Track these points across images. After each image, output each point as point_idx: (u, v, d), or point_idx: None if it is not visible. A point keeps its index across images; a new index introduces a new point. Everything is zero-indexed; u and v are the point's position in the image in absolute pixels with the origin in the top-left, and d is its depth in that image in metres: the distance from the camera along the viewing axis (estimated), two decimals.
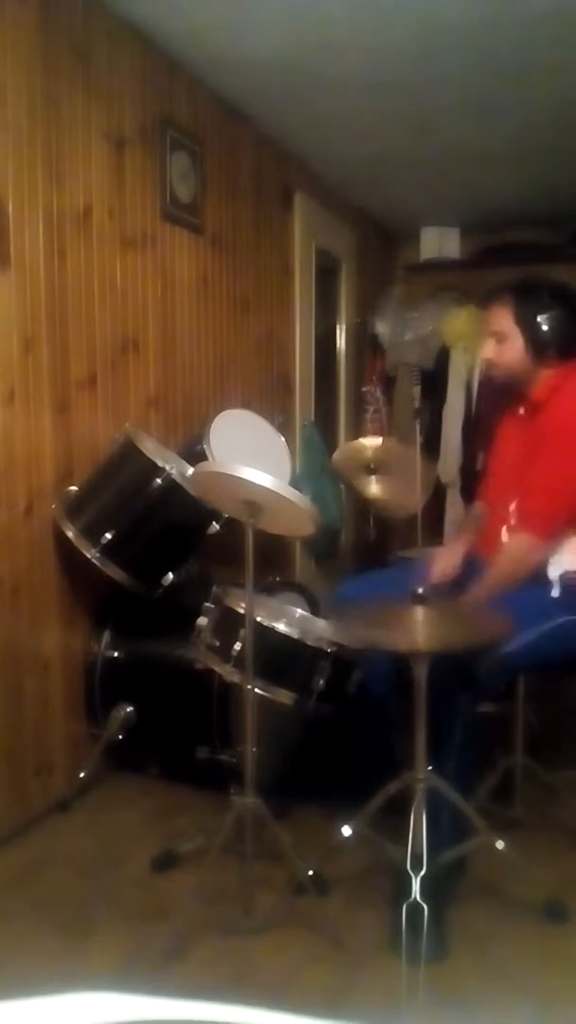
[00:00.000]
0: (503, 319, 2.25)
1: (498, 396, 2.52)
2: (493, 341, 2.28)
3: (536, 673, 2.42)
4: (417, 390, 4.25)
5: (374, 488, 3.29)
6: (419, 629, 1.83)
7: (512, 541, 2.27)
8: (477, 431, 4.40)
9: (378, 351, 4.88)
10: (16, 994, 0.51)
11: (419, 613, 1.85)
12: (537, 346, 2.22)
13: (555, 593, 2.21)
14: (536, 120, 3.43)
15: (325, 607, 2.68)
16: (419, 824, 1.85)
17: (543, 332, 2.21)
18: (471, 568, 2.37)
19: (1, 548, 2.32)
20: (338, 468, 3.49)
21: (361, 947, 1.91)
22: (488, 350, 2.30)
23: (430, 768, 1.95)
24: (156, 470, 2.44)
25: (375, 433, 4.40)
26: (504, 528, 2.34)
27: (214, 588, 2.25)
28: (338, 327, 4.72)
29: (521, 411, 2.38)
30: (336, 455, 3.55)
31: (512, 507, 2.31)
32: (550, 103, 3.26)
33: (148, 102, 2.83)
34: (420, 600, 1.87)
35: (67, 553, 2.50)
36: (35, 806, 2.46)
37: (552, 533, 2.20)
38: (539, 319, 2.21)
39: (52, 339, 2.45)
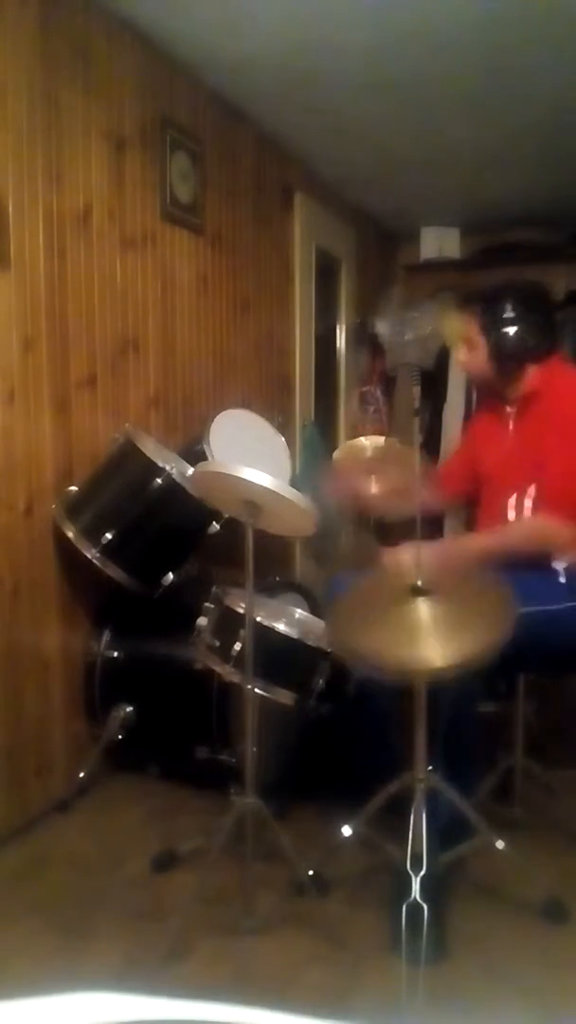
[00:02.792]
0: (471, 327, 2.32)
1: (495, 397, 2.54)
2: (465, 347, 2.36)
3: (534, 663, 2.41)
4: (417, 390, 4.24)
5: (373, 488, 3.28)
6: (422, 644, 1.74)
7: (538, 518, 2.25)
8: None
9: (378, 351, 4.88)
10: (16, 994, 0.51)
11: (420, 613, 1.81)
12: (500, 354, 2.27)
13: (561, 580, 2.22)
14: (536, 120, 3.43)
15: (322, 608, 2.68)
16: (419, 824, 1.85)
17: (505, 341, 2.26)
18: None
19: (1, 548, 2.32)
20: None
21: (361, 947, 1.91)
22: (460, 355, 2.40)
23: (430, 768, 1.95)
24: (156, 470, 2.44)
25: (375, 433, 4.40)
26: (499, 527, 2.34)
27: (214, 588, 2.25)
28: (338, 327, 4.72)
29: (508, 408, 2.39)
30: (336, 454, 3.54)
31: (511, 501, 2.31)
32: (550, 103, 3.26)
33: (148, 102, 2.83)
34: (419, 592, 1.83)
35: (67, 553, 2.50)
36: (35, 806, 2.46)
37: (572, 516, 2.20)
38: (502, 330, 2.25)
39: (52, 339, 2.45)
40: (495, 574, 2.00)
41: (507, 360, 2.27)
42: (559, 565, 2.22)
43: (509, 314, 2.26)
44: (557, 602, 2.17)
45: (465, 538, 2.29)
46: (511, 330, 2.25)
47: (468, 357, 2.36)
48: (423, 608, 1.80)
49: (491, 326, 2.26)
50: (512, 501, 2.31)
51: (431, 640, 1.75)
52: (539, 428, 2.26)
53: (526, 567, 2.18)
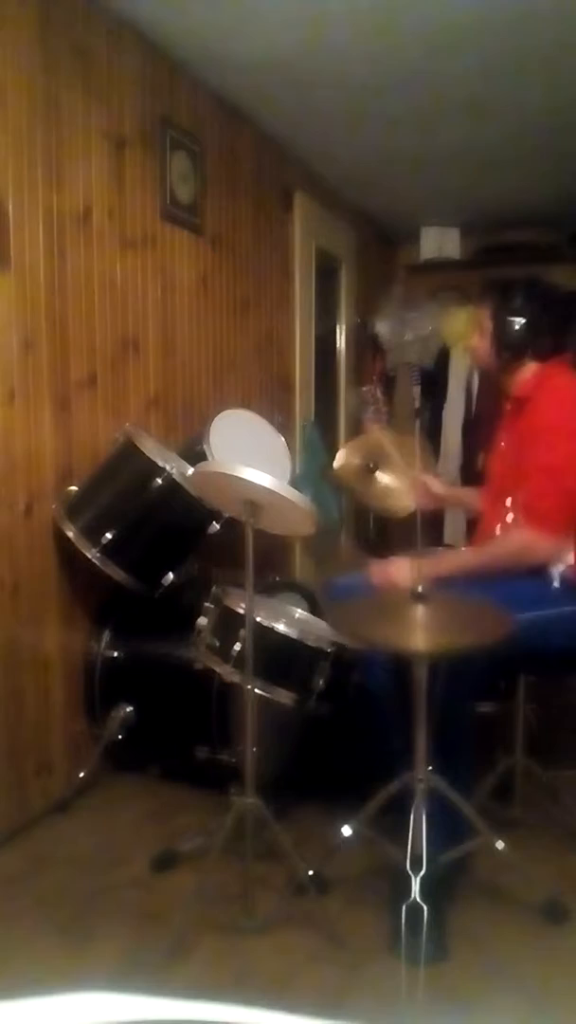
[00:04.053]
0: (484, 315, 2.34)
1: (497, 396, 2.55)
2: (477, 334, 2.39)
3: (531, 666, 2.41)
4: (417, 390, 4.25)
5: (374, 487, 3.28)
6: (420, 629, 1.81)
7: (516, 533, 2.26)
8: (477, 431, 4.40)
9: (378, 351, 4.88)
10: (16, 994, 0.51)
11: (419, 612, 1.83)
12: (501, 346, 2.30)
13: (555, 584, 2.22)
14: (536, 120, 3.43)
15: (321, 601, 2.68)
16: (419, 824, 1.85)
17: (509, 333, 2.28)
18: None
19: (1, 548, 2.32)
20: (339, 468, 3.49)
21: (361, 947, 1.91)
22: (473, 341, 2.41)
23: (430, 768, 1.95)
24: (156, 470, 2.44)
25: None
26: (499, 526, 2.34)
27: (214, 588, 2.25)
28: (338, 327, 4.72)
29: (509, 407, 2.40)
30: (337, 455, 3.54)
31: (508, 502, 2.31)
32: (550, 103, 3.26)
33: (148, 102, 2.83)
34: (419, 598, 1.85)
35: (67, 553, 2.50)
36: (35, 806, 2.46)
37: (557, 529, 2.20)
38: (508, 320, 2.28)
39: (52, 339, 2.45)
40: (490, 585, 2.03)
41: (506, 350, 2.29)
42: (554, 570, 2.22)
43: (517, 306, 2.28)
44: (552, 607, 2.17)
45: (452, 553, 2.31)
46: (516, 322, 2.27)
47: (478, 343, 2.38)
48: (421, 612, 1.82)
49: (499, 315, 2.29)
50: (509, 504, 2.31)
51: (426, 631, 1.79)
52: (525, 433, 2.27)
53: (520, 572, 2.18)
